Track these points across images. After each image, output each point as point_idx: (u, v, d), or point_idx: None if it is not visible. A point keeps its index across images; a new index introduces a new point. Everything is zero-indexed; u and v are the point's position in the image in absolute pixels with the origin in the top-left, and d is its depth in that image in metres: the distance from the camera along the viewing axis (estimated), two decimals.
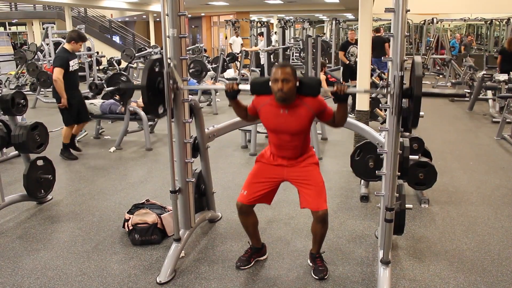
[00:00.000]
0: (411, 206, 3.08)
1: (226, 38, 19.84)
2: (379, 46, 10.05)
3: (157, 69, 2.79)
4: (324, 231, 2.85)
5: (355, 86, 7.04)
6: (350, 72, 9.53)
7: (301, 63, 13.68)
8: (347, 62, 9.73)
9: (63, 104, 5.25)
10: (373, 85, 7.23)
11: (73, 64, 5.35)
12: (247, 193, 2.84)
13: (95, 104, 6.45)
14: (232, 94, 2.74)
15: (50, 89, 9.64)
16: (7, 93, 3.86)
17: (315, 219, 2.78)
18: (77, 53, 10.37)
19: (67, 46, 5.40)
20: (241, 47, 13.98)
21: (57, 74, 5.14)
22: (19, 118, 4.15)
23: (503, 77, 7.87)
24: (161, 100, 2.83)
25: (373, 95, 6.71)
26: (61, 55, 5.28)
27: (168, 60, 2.75)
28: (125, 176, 4.96)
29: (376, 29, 11.22)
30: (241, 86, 2.74)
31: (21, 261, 3.12)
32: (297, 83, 2.61)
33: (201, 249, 3.28)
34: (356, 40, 9.23)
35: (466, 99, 9.50)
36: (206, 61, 10.53)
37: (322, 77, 7.72)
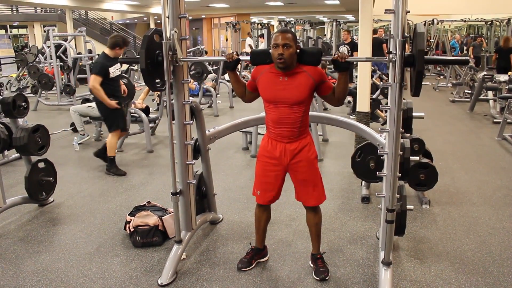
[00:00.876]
0: (412, 207, 3.08)
1: (226, 40, 19.84)
2: (377, 47, 10.06)
3: (157, 40, 2.76)
4: (317, 220, 2.87)
5: (354, 88, 7.05)
6: None
7: None
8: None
9: (113, 106, 4.88)
10: (374, 86, 7.23)
11: (114, 71, 4.95)
12: (260, 193, 2.88)
13: (93, 107, 6.44)
14: (232, 64, 2.71)
15: (51, 92, 9.74)
16: (9, 96, 3.87)
17: (306, 210, 2.86)
18: (78, 56, 10.42)
19: (108, 52, 4.93)
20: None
21: (93, 82, 4.79)
22: (20, 120, 4.15)
23: (504, 77, 7.88)
24: (160, 73, 2.77)
25: (374, 97, 6.71)
26: (101, 62, 4.89)
27: (168, 31, 2.71)
28: (126, 178, 4.97)
29: (374, 30, 11.23)
30: (241, 57, 2.73)
31: (23, 264, 3.12)
32: (298, 51, 2.59)
33: (202, 251, 3.29)
34: (351, 40, 9.25)
35: (467, 99, 9.51)
36: (207, 63, 10.53)
37: None
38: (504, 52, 9.73)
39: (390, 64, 2.42)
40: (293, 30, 20.82)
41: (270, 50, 2.60)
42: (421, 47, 2.27)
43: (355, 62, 8.90)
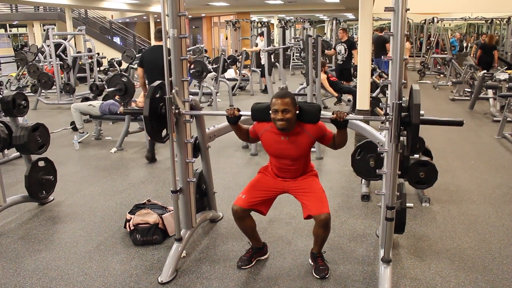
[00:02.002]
0: (412, 205, 3.09)
1: (226, 38, 19.84)
2: (380, 46, 10.07)
3: (158, 95, 2.85)
4: (326, 234, 2.84)
5: (354, 86, 7.05)
6: (339, 72, 9.35)
7: (302, 63, 13.69)
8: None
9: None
10: (374, 85, 7.23)
11: None
12: (246, 197, 2.86)
13: (94, 105, 6.46)
14: (233, 120, 2.81)
15: (51, 91, 9.73)
16: (8, 95, 3.87)
17: (317, 223, 2.76)
18: (78, 54, 10.41)
19: (158, 43, 5.49)
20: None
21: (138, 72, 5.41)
22: (20, 119, 4.16)
23: (504, 76, 7.88)
24: (163, 124, 2.91)
25: (373, 95, 6.71)
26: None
27: (168, 28, 2.78)
28: (126, 177, 4.97)
29: (381, 29, 11.25)
30: (241, 112, 2.81)
31: (23, 262, 3.12)
32: (297, 111, 2.67)
33: (202, 249, 3.29)
34: (348, 39, 9.20)
35: (467, 97, 9.51)
36: (207, 62, 10.54)
37: (323, 76, 7.73)
38: (488, 48, 11.14)
39: (387, 122, 2.49)
40: (293, 28, 20.83)
41: (270, 111, 2.68)
42: (417, 115, 2.34)
43: (353, 61, 8.88)
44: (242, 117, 2.83)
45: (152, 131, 2.88)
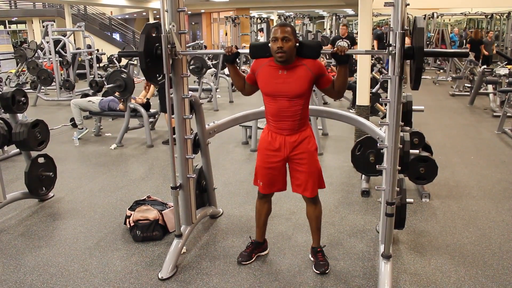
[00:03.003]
0: (412, 200, 3.08)
1: (226, 34, 19.80)
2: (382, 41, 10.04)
3: (154, 34, 2.75)
4: (317, 213, 2.87)
5: (354, 82, 7.04)
6: None
7: None
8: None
9: None
10: (373, 80, 7.22)
11: None
12: (264, 184, 2.87)
13: (93, 101, 6.46)
14: (231, 57, 2.71)
15: (51, 87, 9.73)
16: (8, 91, 3.86)
17: (306, 201, 2.84)
18: (77, 51, 10.39)
19: None
20: None
21: None
22: (20, 116, 4.15)
23: (504, 71, 7.86)
24: (160, 67, 2.78)
25: (373, 91, 6.70)
26: None
27: (167, 25, 2.71)
28: (126, 173, 4.97)
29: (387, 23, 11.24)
30: (240, 50, 2.73)
31: (23, 258, 3.13)
32: (297, 44, 2.58)
33: (202, 245, 3.29)
34: (348, 34, 9.15)
35: (467, 93, 9.50)
36: (206, 58, 10.52)
37: None
38: (475, 42, 12.13)
39: (390, 56, 2.42)
40: (292, 24, 20.81)
41: (269, 44, 2.59)
42: (420, 40, 2.26)
43: (354, 58, 8.83)
44: (241, 54, 2.75)
45: (148, 70, 2.75)
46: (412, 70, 2.36)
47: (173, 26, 2.71)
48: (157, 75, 2.87)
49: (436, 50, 2.71)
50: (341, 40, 9.10)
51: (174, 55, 2.75)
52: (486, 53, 12.32)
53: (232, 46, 2.73)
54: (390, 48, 2.39)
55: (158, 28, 2.78)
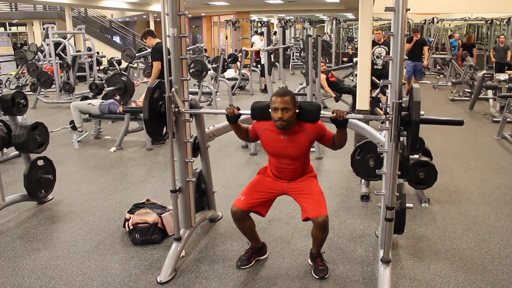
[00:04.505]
0: (411, 205, 3.09)
1: (226, 38, 19.83)
2: (418, 48, 9.78)
3: (156, 95, 2.84)
4: (324, 236, 2.84)
5: (354, 86, 7.04)
6: (377, 77, 7.72)
7: (302, 63, 13.67)
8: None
9: None
10: (373, 83, 7.22)
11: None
12: (245, 198, 2.85)
13: (93, 104, 6.46)
14: (232, 118, 2.79)
15: (50, 90, 9.73)
16: (8, 93, 3.86)
17: (315, 225, 2.76)
18: (77, 53, 10.41)
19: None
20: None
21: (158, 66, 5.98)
22: (19, 118, 4.15)
23: (504, 76, 7.87)
24: (163, 123, 2.90)
25: (374, 95, 6.70)
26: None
27: (167, 28, 2.78)
28: (125, 176, 4.96)
29: (414, 30, 11.28)
30: (241, 111, 2.80)
31: (22, 261, 3.12)
32: (297, 110, 2.66)
33: (201, 248, 3.28)
34: (385, 40, 8.11)
35: (467, 98, 9.51)
36: (207, 61, 10.54)
37: (322, 76, 7.72)
38: (468, 47, 13.08)
39: (387, 122, 2.48)
40: (293, 28, 20.83)
41: (270, 110, 2.66)
42: (417, 112, 2.34)
43: (382, 61, 8.64)
44: (242, 116, 2.82)
45: (152, 132, 2.89)
46: (409, 139, 2.48)
47: (175, 89, 2.83)
48: (161, 131, 2.98)
49: (432, 118, 2.80)
50: (378, 46, 8.15)
51: (177, 113, 2.86)
52: (493, 59, 11.75)
53: (234, 107, 2.79)
54: (387, 116, 2.46)
55: (160, 87, 2.87)
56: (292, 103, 2.61)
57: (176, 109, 2.84)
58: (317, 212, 2.71)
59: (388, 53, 7.72)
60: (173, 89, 2.80)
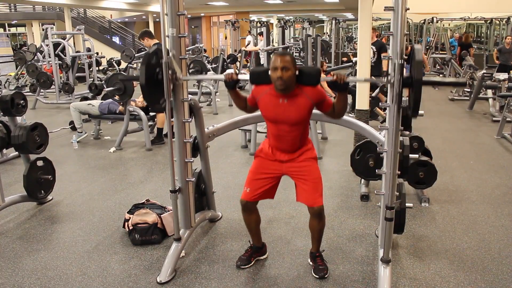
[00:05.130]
0: (411, 205, 3.08)
1: (225, 38, 19.83)
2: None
3: (153, 62, 2.77)
4: (321, 226, 2.84)
5: (354, 86, 7.03)
6: None
7: (301, 63, 13.67)
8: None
9: None
10: (373, 84, 7.21)
11: None
12: (250, 190, 2.84)
13: (93, 104, 6.45)
14: (231, 84, 2.74)
15: (50, 90, 9.73)
16: (7, 94, 3.86)
17: (311, 214, 2.80)
18: (76, 54, 10.40)
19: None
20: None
21: None
22: (19, 119, 4.15)
23: (503, 76, 7.87)
24: (161, 92, 2.81)
25: (373, 95, 6.71)
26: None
27: (166, 28, 2.74)
28: (125, 176, 4.96)
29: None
30: (240, 76, 2.75)
31: (22, 262, 3.11)
32: (297, 72, 2.61)
33: (201, 248, 3.28)
34: (377, 40, 7.70)
35: (466, 97, 9.52)
36: (206, 61, 10.54)
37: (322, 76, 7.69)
38: (465, 45, 13.48)
39: (388, 85, 2.45)
40: (292, 28, 20.83)
41: (269, 72, 2.62)
42: (419, 71, 2.30)
43: (353, 60, 8.71)
44: (241, 80, 2.75)
45: (150, 98, 2.81)
46: (411, 99, 2.42)
47: (174, 54, 2.77)
48: (159, 99, 2.91)
49: (434, 80, 2.78)
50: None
51: (175, 79, 2.80)
52: (497, 61, 10.99)
53: (232, 72, 2.76)
54: (389, 77, 2.42)
55: (157, 53, 2.81)
56: (292, 64, 2.56)
57: (174, 76, 2.78)
58: (313, 200, 2.73)
59: (374, 53, 7.60)
60: (170, 54, 2.74)
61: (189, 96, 3.02)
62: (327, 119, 3.09)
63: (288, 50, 14.49)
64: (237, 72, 11.61)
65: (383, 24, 22.45)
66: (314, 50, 5.98)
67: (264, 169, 2.84)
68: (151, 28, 21.81)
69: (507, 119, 6.52)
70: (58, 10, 20.62)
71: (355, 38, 18.76)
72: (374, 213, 3.85)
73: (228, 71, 2.75)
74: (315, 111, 2.73)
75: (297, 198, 2.84)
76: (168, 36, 2.81)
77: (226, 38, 19.85)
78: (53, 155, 4.98)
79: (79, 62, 10.73)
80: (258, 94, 2.75)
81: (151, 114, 6.36)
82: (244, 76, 2.79)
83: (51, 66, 9.52)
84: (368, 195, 4.18)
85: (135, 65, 10.59)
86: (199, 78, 3.01)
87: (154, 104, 2.90)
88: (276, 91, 2.64)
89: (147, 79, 2.71)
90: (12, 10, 22.84)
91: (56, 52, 9.52)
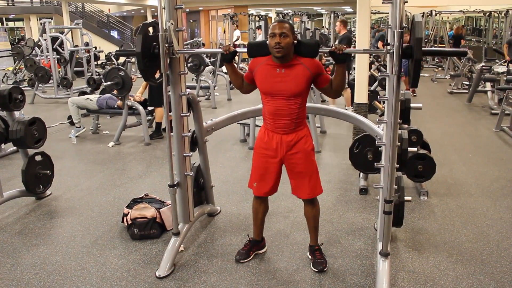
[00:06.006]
0: (410, 198, 3.09)
1: (224, 32, 19.78)
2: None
3: (151, 34, 2.74)
4: (315, 213, 2.87)
5: (352, 79, 7.02)
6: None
7: None
8: None
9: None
10: (372, 78, 7.21)
11: None
12: (257, 185, 2.87)
13: (91, 99, 6.44)
14: (228, 56, 2.70)
15: (48, 85, 9.69)
16: (4, 89, 3.84)
17: (304, 203, 2.84)
18: (75, 48, 10.37)
19: None
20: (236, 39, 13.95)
21: None
22: (17, 113, 4.13)
23: (502, 69, 7.86)
24: (157, 66, 2.77)
25: (372, 88, 6.69)
26: None
27: (164, 22, 2.68)
28: (123, 171, 4.96)
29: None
30: (237, 49, 2.73)
31: (20, 257, 3.11)
32: (295, 42, 2.58)
33: (200, 243, 3.28)
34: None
35: (465, 90, 9.50)
36: (205, 56, 10.50)
37: None
38: (456, 37, 14.31)
39: (388, 55, 2.41)
40: (291, 21, 20.78)
41: (267, 41, 2.58)
42: (419, 37, 2.26)
43: (352, 54, 8.68)
44: (238, 53, 2.74)
45: (145, 70, 2.74)
46: (411, 68, 2.36)
47: (171, 24, 2.70)
48: (155, 74, 2.86)
49: (434, 49, 2.71)
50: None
51: (171, 53, 2.74)
52: (507, 57, 9.36)
53: (229, 44, 2.74)
54: (388, 47, 2.38)
55: (155, 27, 2.76)
56: (290, 30, 2.54)
57: (171, 49, 2.71)
58: (307, 195, 2.79)
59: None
60: (168, 24, 2.68)
61: (187, 90, 3.01)
62: (324, 113, 3.08)
63: None
64: (236, 65, 11.60)
65: (382, 17, 22.36)
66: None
67: (265, 163, 2.82)
68: None
69: (506, 112, 6.51)
70: (56, 4, 20.55)
71: (353, 32, 18.71)
72: (373, 206, 3.86)
73: (226, 45, 2.72)
74: (313, 105, 2.72)
75: (292, 191, 2.86)
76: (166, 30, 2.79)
77: (224, 32, 19.80)
78: (51, 150, 4.97)
79: (77, 56, 10.68)
80: (255, 66, 2.71)
81: (150, 108, 6.35)
82: (242, 48, 2.76)
83: (49, 60, 9.48)
84: (367, 189, 4.18)
85: (133, 59, 10.56)
86: (196, 52, 2.98)
87: (149, 78, 2.83)
88: (273, 61, 2.61)
89: (143, 51, 2.66)
90: (10, 4, 22.73)
91: (54, 47, 9.48)
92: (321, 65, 2.67)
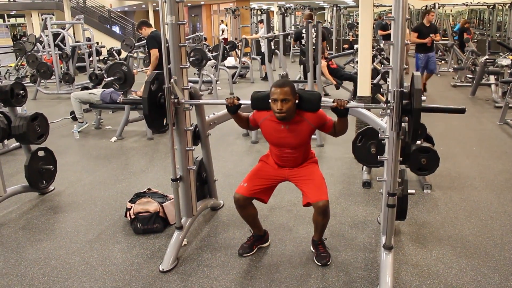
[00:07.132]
0: (413, 191, 3.07)
1: (226, 26, 19.73)
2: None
3: (155, 87, 2.83)
4: (325, 222, 2.84)
5: (355, 73, 7.00)
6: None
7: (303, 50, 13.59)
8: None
9: None
10: (375, 71, 7.18)
11: None
12: (247, 185, 2.85)
13: (94, 93, 6.44)
14: (233, 108, 2.77)
15: (50, 81, 9.70)
16: (6, 84, 3.84)
17: (315, 210, 2.76)
18: (76, 44, 10.36)
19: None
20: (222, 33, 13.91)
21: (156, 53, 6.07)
22: (19, 109, 4.13)
23: (506, 61, 7.82)
24: (163, 114, 2.89)
25: (374, 82, 6.67)
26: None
27: (166, 16, 2.74)
28: (126, 166, 4.96)
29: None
30: (241, 101, 2.78)
31: (24, 252, 3.12)
32: (297, 100, 2.64)
33: (203, 237, 3.28)
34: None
35: (468, 84, 9.46)
36: (206, 50, 10.48)
37: (323, 63, 7.67)
38: (460, 30, 13.38)
39: (388, 110, 2.45)
40: (293, 15, 20.69)
41: (270, 101, 2.64)
42: (418, 100, 2.31)
43: (355, 47, 8.66)
44: (242, 106, 2.80)
45: (153, 124, 2.91)
46: (410, 127, 2.44)
47: (175, 80, 2.81)
48: (162, 123, 2.99)
49: (433, 106, 2.76)
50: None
51: (177, 104, 2.85)
52: None
53: (234, 97, 2.77)
54: (389, 104, 2.43)
55: (158, 79, 2.85)
56: (291, 94, 2.59)
57: (176, 100, 2.82)
58: (317, 197, 2.70)
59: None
60: (172, 80, 2.78)
61: (190, 84, 3.00)
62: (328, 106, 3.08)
63: (289, 37, 14.44)
64: (238, 59, 11.56)
65: (385, 10, 22.25)
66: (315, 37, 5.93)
67: (267, 172, 2.90)
68: (151, 17, 21.76)
69: (510, 105, 6.48)
70: (57, 0, 20.50)
71: (356, 25, 18.65)
72: (376, 200, 3.85)
73: (229, 97, 2.75)
74: None
75: (303, 201, 2.82)
76: (167, 24, 2.78)
77: (226, 25, 19.74)
78: (54, 145, 4.97)
79: (79, 52, 10.69)
80: (260, 119, 2.81)
81: None
82: (245, 101, 2.81)
83: (51, 56, 9.49)
84: (370, 182, 4.17)
85: (135, 54, 10.55)
86: (201, 103, 2.94)
87: (157, 128, 2.99)
88: (277, 118, 2.68)
89: (149, 107, 2.78)
90: (11, 0, 22.70)
91: (56, 42, 9.48)
92: (323, 115, 2.73)
